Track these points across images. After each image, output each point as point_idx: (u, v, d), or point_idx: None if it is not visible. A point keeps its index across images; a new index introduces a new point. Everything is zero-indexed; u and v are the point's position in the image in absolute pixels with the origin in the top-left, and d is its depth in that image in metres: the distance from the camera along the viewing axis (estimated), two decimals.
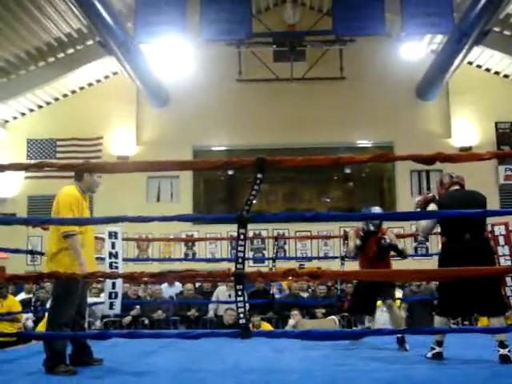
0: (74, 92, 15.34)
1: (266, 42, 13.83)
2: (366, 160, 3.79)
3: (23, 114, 15.26)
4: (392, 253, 6.28)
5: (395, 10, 11.95)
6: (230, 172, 15.14)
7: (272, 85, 14.58)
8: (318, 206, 16.13)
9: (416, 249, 13.78)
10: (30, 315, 8.24)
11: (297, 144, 14.31)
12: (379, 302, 6.37)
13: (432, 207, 4.98)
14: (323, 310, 8.68)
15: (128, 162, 11.68)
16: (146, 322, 8.54)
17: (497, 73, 14.82)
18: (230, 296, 8.59)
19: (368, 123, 14.45)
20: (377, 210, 6.23)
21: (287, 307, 8.65)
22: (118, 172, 4.70)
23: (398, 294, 8.56)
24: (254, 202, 3.62)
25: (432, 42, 14.19)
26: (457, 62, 12.52)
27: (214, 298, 9.17)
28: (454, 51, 12.20)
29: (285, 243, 13.64)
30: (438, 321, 4.83)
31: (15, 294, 9.59)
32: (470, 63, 14.53)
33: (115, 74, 15.05)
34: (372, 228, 6.07)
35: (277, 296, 9.07)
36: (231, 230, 7.95)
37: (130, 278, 6.04)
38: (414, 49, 13.54)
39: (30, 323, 8.47)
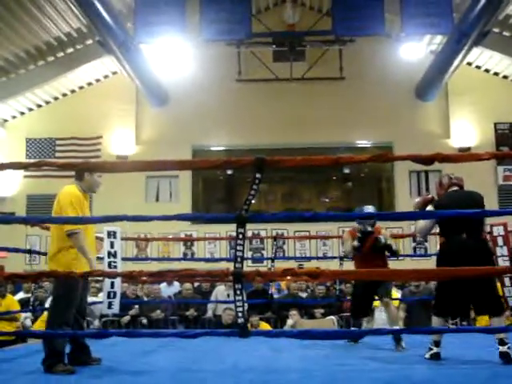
0: (73, 91, 15.34)
1: (266, 41, 13.83)
2: (366, 160, 3.79)
3: (22, 114, 15.25)
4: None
5: (395, 10, 11.96)
6: (229, 172, 15.16)
7: (271, 85, 14.58)
8: (317, 205, 16.15)
9: (415, 249, 13.80)
10: (29, 314, 8.24)
11: (296, 144, 14.32)
12: (377, 303, 6.38)
13: (431, 208, 4.99)
14: (322, 310, 8.67)
15: (128, 161, 11.69)
16: (145, 321, 8.54)
17: (496, 73, 14.83)
18: (228, 296, 8.60)
19: (367, 123, 14.46)
20: (370, 209, 6.22)
21: (286, 307, 8.65)
22: (117, 171, 4.70)
23: (397, 294, 8.57)
24: (253, 201, 3.63)
25: (431, 42, 14.20)
26: (456, 62, 12.53)
27: (212, 298, 9.17)
28: (453, 52, 12.21)
29: (284, 243, 13.65)
30: (436, 321, 4.83)
31: (14, 293, 9.59)
32: (470, 64, 14.55)
33: (115, 73, 15.06)
34: (369, 228, 6.08)
35: (275, 296, 9.07)
36: (230, 229, 7.96)
37: (128, 277, 6.04)
38: (414, 49, 13.54)
39: (28, 322, 8.47)
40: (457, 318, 7.22)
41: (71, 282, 4.34)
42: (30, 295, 7.97)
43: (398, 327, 5.98)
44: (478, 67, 14.81)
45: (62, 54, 13.91)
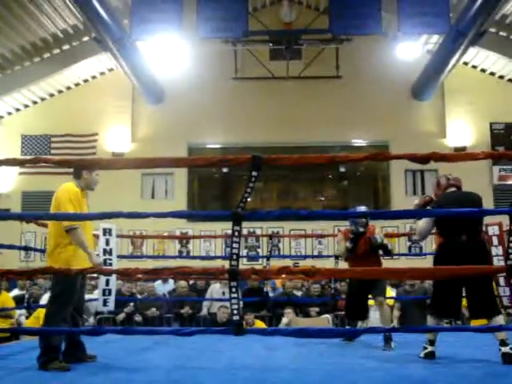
0: (69, 88, 15.30)
1: (263, 40, 13.82)
2: (362, 158, 3.80)
3: (18, 110, 15.21)
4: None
5: (392, 9, 11.97)
6: (225, 169, 15.15)
7: (268, 83, 14.57)
8: (313, 204, 16.16)
9: (410, 248, 13.83)
10: (24, 311, 8.21)
11: (292, 142, 14.34)
12: (372, 302, 6.38)
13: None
14: (317, 309, 8.67)
15: (123, 158, 11.67)
16: (140, 319, 8.53)
17: (492, 73, 14.87)
18: (223, 293, 8.59)
19: (363, 122, 14.49)
20: (362, 209, 6.21)
21: (281, 305, 8.65)
22: (113, 169, 4.69)
23: (392, 292, 8.59)
24: (249, 199, 3.62)
25: (428, 42, 14.22)
26: (452, 62, 12.56)
27: (207, 296, 9.17)
28: (449, 51, 12.24)
29: (279, 241, 13.66)
30: (431, 320, 4.84)
31: (8, 290, 9.56)
32: (466, 64, 14.58)
33: (111, 70, 15.03)
34: (361, 229, 6.08)
35: (270, 294, 9.07)
36: (226, 227, 7.96)
37: (124, 275, 6.04)
38: (410, 49, 13.55)
39: (23, 319, 8.45)
40: (452, 319, 7.23)
41: (70, 278, 4.33)
42: (24, 292, 7.95)
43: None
44: (475, 67, 14.85)
45: (57, 50, 13.88)
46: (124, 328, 5.85)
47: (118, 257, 6.89)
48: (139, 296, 9.21)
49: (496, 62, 14.33)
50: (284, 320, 8.30)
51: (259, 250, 13.95)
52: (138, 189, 14.73)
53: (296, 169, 14.20)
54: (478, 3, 10.39)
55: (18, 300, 8.43)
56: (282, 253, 13.55)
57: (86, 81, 15.30)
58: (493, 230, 6.44)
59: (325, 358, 5.08)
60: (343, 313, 6.91)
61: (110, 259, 6.35)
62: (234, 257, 3.51)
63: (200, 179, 16.14)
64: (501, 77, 14.84)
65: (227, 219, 3.61)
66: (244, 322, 5.28)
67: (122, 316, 8.48)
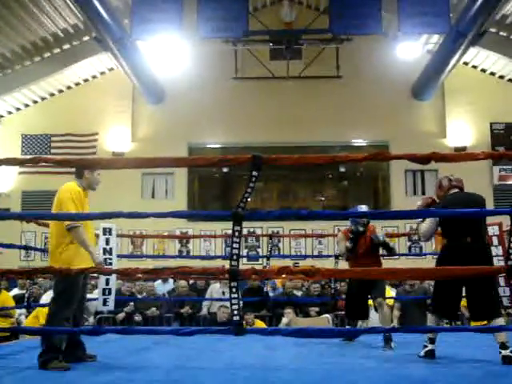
0: (69, 88, 15.30)
1: (263, 39, 13.81)
2: (362, 158, 3.80)
3: (18, 109, 15.21)
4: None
5: (392, 9, 11.96)
6: (225, 169, 15.15)
7: (268, 83, 14.57)
8: (313, 204, 16.16)
9: (410, 248, 13.83)
10: (23, 311, 8.21)
11: (292, 142, 14.35)
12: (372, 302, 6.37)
13: None
14: (317, 309, 8.66)
15: (124, 158, 11.68)
16: (139, 318, 8.53)
17: (492, 73, 14.86)
18: (223, 293, 8.59)
19: (363, 122, 14.49)
20: (363, 208, 6.20)
21: (281, 305, 8.65)
22: (114, 168, 4.69)
23: (392, 292, 8.59)
24: (249, 199, 3.62)
25: (428, 41, 14.22)
26: (453, 62, 12.56)
27: (207, 296, 9.16)
28: (449, 51, 12.24)
29: (279, 241, 13.66)
30: (431, 319, 4.84)
31: (8, 289, 9.56)
32: (466, 64, 14.58)
33: (111, 70, 15.04)
34: (361, 229, 6.07)
35: (270, 294, 9.06)
36: (226, 227, 7.95)
37: (124, 274, 6.04)
38: (410, 48, 13.54)
39: (23, 319, 8.45)
40: (452, 320, 7.23)
41: (71, 277, 4.33)
42: (24, 291, 7.95)
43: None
44: (475, 67, 14.85)
45: (58, 50, 13.88)
46: (124, 328, 5.86)
47: (118, 256, 6.90)
48: (139, 296, 9.20)
49: (496, 62, 14.32)
50: (284, 320, 8.29)
51: (259, 250, 13.94)
52: (139, 188, 14.73)
53: (296, 169, 14.20)
54: (478, 3, 10.39)
55: (18, 299, 8.43)
56: (282, 253, 13.55)
57: (86, 80, 15.30)
58: (493, 230, 6.44)
59: (325, 357, 5.08)
60: (343, 313, 6.91)
61: (110, 259, 6.37)
62: (235, 257, 3.51)
63: (200, 179, 16.14)
64: (501, 77, 14.83)
65: (227, 219, 3.61)
66: (244, 322, 5.28)
67: (121, 316, 8.47)
